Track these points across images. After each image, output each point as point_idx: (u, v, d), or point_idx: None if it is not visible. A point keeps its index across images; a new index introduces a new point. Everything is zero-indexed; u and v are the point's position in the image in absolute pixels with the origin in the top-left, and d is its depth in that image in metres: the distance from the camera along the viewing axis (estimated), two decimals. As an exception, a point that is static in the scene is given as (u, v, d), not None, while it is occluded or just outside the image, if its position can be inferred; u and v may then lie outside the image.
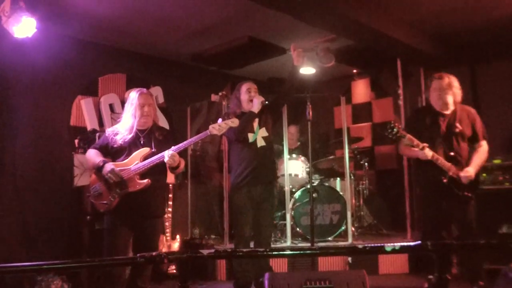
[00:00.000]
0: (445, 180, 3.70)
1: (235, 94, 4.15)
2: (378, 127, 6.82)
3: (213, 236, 5.90)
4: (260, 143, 4.01)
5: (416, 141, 3.67)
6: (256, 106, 3.97)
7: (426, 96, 4.03)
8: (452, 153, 3.73)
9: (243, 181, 3.95)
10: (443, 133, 3.77)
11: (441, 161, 3.69)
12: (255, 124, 4.05)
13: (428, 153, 3.67)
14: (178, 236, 5.15)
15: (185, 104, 6.21)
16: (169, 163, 3.46)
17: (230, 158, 4.21)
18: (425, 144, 3.68)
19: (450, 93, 3.74)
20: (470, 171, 3.66)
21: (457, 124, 3.75)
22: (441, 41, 5.67)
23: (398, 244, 2.00)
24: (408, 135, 3.66)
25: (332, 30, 4.95)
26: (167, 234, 4.98)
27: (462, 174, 3.66)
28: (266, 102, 4.00)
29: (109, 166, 3.44)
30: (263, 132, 4.05)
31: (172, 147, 3.47)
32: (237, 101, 4.11)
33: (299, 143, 6.04)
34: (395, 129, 3.62)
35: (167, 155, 3.42)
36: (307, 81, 6.80)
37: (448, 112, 3.79)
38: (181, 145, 3.51)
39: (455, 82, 3.79)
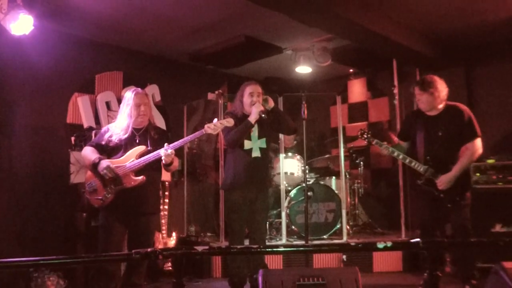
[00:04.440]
0: (420, 182, 3.81)
1: (239, 95, 4.06)
2: (372, 127, 6.87)
3: (209, 234, 5.92)
4: (255, 153, 3.95)
5: (382, 143, 3.96)
6: (253, 116, 3.85)
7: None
8: (428, 157, 3.78)
9: (235, 184, 3.95)
10: (426, 136, 3.82)
11: (414, 163, 3.80)
12: (253, 132, 3.96)
13: (383, 150, 3.95)
14: (174, 234, 5.17)
15: (182, 102, 6.22)
16: (165, 161, 3.49)
17: (226, 157, 4.21)
18: (383, 142, 3.96)
19: (427, 96, 3.74)
20: (445, 177, 3.68)
21: (440, 127, 3.77)
22: (437, 43, 5.70)
23: (390, 242, 2.04)
24: (376, 140, 3.99)
25: (328, 30, 4.98)
26: (163, 232, 5.00)
27: (437, 181, 3.72)
28: (263, 115, 3.83)
29: (105, 162, 3.46)
30: (261, 143, 3.98)
31: (168, 144, 3.49)
32: (239, 102, 4.03)
33: (295, 142, 6.07)
34: (365, 135, 4.07)
35: (164, 152, 3.44)
36: (303, 80, 6.85)
37: (434, 113, 3.82)
38: (177, 143, 3.54)
39: (433, 83, 3.75)
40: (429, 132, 3.81)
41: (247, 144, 3.95)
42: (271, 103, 3.98)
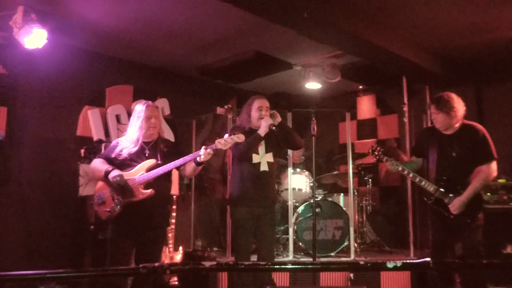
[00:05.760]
0: (429, 202, 3.76)
1: (246, 108, 4.03)
2: (380, 145, 6.84)
3: (215, 249, 5.89)
4: (263, 167, 3.91)
5: (392, 160, 3.91)
6: (263, 129, 3.82)
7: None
8: (439, 177, 3.72)
9: (242, 198, 3.91)
10: (439, 155, 3.76)
11: (423, 182, 3.75)
12: (261, 147, 3.95)
13: (391, 167, 3.88)
14: (180, 248, 5.15)
15: (191, 116, 6.25)
16: (203, 159, 3.46)
17: (233, 171, 4.18)
18: (390, 158, 3.90)
19: (443, 115, 3.67)
20: (458, 202, 3.60)
21: (455, 147, 3.70)
22: (447, 60, 5.70)
23: (400, 261, 2.01)
24: (386, 157, 3.95)
25: (337, 46, 5.00)
26: (170, 246, 4.98)
27: (450, 206, 3.65)
28: (274, 128, 3.83)
29: (117, 171, 3.47)
30: (269, 157, 3.95)
31: (206, 146, 3.46)
32: (247, 116, 4.00)
33: (303, 157, 6.05)
34: (376, 152, 4.03)
35: (203, 152, 3.43)
36: (312, 96, 6.86)
37: (449, 132, 3.74)
38: (187, 158, 3.54)
39: (450, 102, 3.67)
40: (443, 151, 3.74)
41: (255, 158, 3.93)
42: (278, 118, 3.97)
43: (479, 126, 3.76)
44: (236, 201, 3.97)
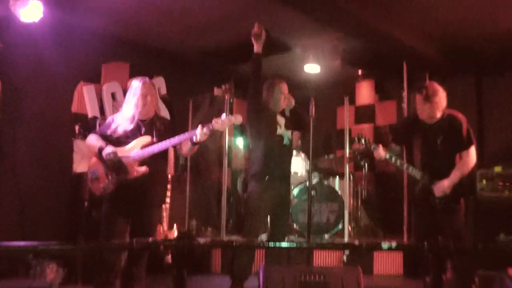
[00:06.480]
0: (416, 188, 3.77)
1: (268, 89, 4.07)
2: (378, 131, 6.84)
3: (210, 229, 5.90)
4: (286, 141, 3.99)
5: (378, 147, 3.85)
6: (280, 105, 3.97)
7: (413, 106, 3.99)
8: (425, 165, 3.73)
9: (264, 171, 3.89)
10: (423, 144, 3.78)
11: (410, 169, 3.76)
12: (282, 122, 4.03)
13: (380, 153, 3.83)
14: (175, 227, 5.14)
15: (188, 97, 6.19)
16: (199, 139, 3.41)
17: (254, 146, 4.10)
18: (377, 145, 3.86)
19: (430, 105, 3.68)
20: (444, 184, 3.65)
21: (440, 135, 3.73)
22: (449, 49, 5.65)
23: (394, 243, 2.01)
24: (374, 145, 3.87)
25: (340, 29, 4.94)
26: (164, 224, 4.97)
27: (434, 186, 3.68)
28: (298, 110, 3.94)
29: (110, 148, 3.43)
30: (288, 134, 4.04)
31: (203, 125, 3.41)
32: (269, 97, 4.04)
33: (299, 141, 6.02)
34: (362, 140, 3.93)
35: (199, 131, 3.37)
36: (311, 79, 6.80)
37: (432, 122, 3.77)
38: (183, 136, 3.50)
39: (437, 92, 3.69)
40: (427, 140, 3.78)
41: (279, 130, 3.98)
42: (293, 101, 4.04)
43: (460, 115, 3.81)
44: (257, 174, 3.93)
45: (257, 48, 3.96)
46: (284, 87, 4.07)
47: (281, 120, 4.05)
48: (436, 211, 3.73)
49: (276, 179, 3.91)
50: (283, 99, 4.01)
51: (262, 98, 4.03)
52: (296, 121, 4.09)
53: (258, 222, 3.90)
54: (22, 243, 1.96)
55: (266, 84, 4.13)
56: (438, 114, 3.75)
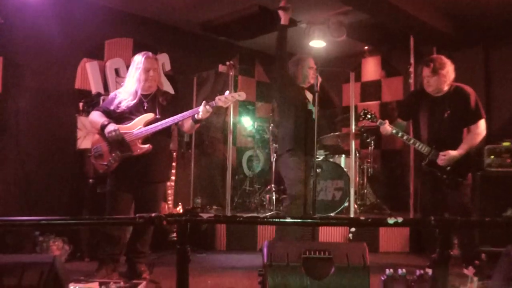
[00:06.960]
0: (423, 163, 3.74)
1: (296, 65, 4.07)
2: (384, 107, 6.76)
3: (215, 207, 5.90)
4: (314, 116, 3.94)
5: (384, 122, 3.84)
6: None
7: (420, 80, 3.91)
8: (432, 139, 3.71)
9: (298, 145, 3.93)
10: (430, 117, 3.74)
11: (418, 144, 3.73)
12: (310, 97, 4.03)
13: (387, 128, 3.80)
14: (180, 204, 5.14)
15: (192, 73, 6.12)
16: (202, 117, 3.40)
17: (284, 122, 4.10)
18: (384, 121, 3.83)
19: (437, 78, 3.65)
20: (449, 153, 3.61)
21: (447, 108, 3.68)
22: (456, 21, 5.52)
23: (400, 218, 1.98)
24: (380, 120, 3.86)
25: (347, 2, 4.82)
26: (169, 202, 4.97)
27: (440, 154, 3.64)
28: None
29: (112, 125, 3.41)
30: (314, 110, 3.99)
31: (206, 102, 3.39)
32: (298, 73, 4.05)
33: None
34: (368, 115, 3.93)
35: (202, 109, 3.36)
36: (316, 55, 6.70)
37: (439, 95, 3.73)
38: (186, 114, 3.46)
39: (444, 65, 3.65)
40: (434, 114, 3.74)
41: (309, 105, 4.01)
42: (320, 79, 3.98)
43: (468, 88, 3.75)
44: (293, 150, 3.95)
45: (284, 19, 3.99)
46: (312, 62, 4.06)
47: (309, 95, 4.07)
48: (443, 186, 3.71)
49: (308, 154, 3.95)
50: (312, 73, 4.01)
51: (289, 73, 4.01)
52: (323, 97, 4.07)
53: (302, 187, 3.92)
54: (26, 218, 1.93)
55: (293, 59, 4.13)
56: (445, 87, 3.71)
